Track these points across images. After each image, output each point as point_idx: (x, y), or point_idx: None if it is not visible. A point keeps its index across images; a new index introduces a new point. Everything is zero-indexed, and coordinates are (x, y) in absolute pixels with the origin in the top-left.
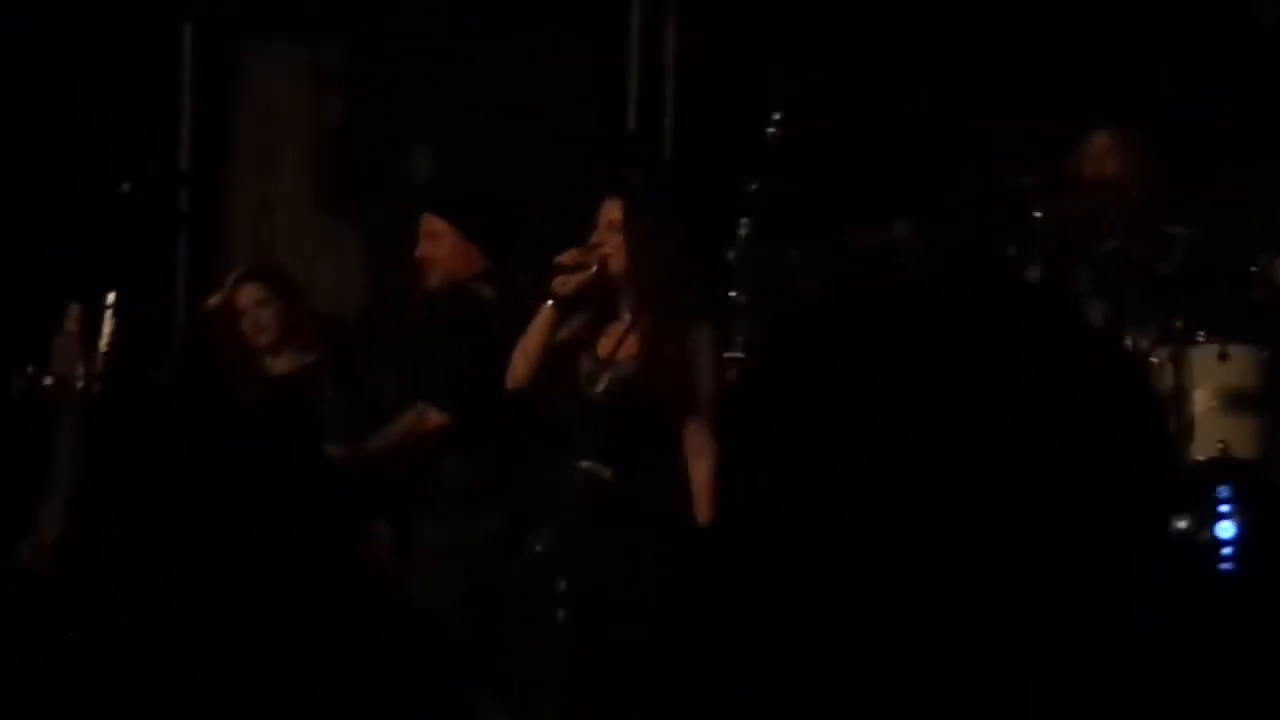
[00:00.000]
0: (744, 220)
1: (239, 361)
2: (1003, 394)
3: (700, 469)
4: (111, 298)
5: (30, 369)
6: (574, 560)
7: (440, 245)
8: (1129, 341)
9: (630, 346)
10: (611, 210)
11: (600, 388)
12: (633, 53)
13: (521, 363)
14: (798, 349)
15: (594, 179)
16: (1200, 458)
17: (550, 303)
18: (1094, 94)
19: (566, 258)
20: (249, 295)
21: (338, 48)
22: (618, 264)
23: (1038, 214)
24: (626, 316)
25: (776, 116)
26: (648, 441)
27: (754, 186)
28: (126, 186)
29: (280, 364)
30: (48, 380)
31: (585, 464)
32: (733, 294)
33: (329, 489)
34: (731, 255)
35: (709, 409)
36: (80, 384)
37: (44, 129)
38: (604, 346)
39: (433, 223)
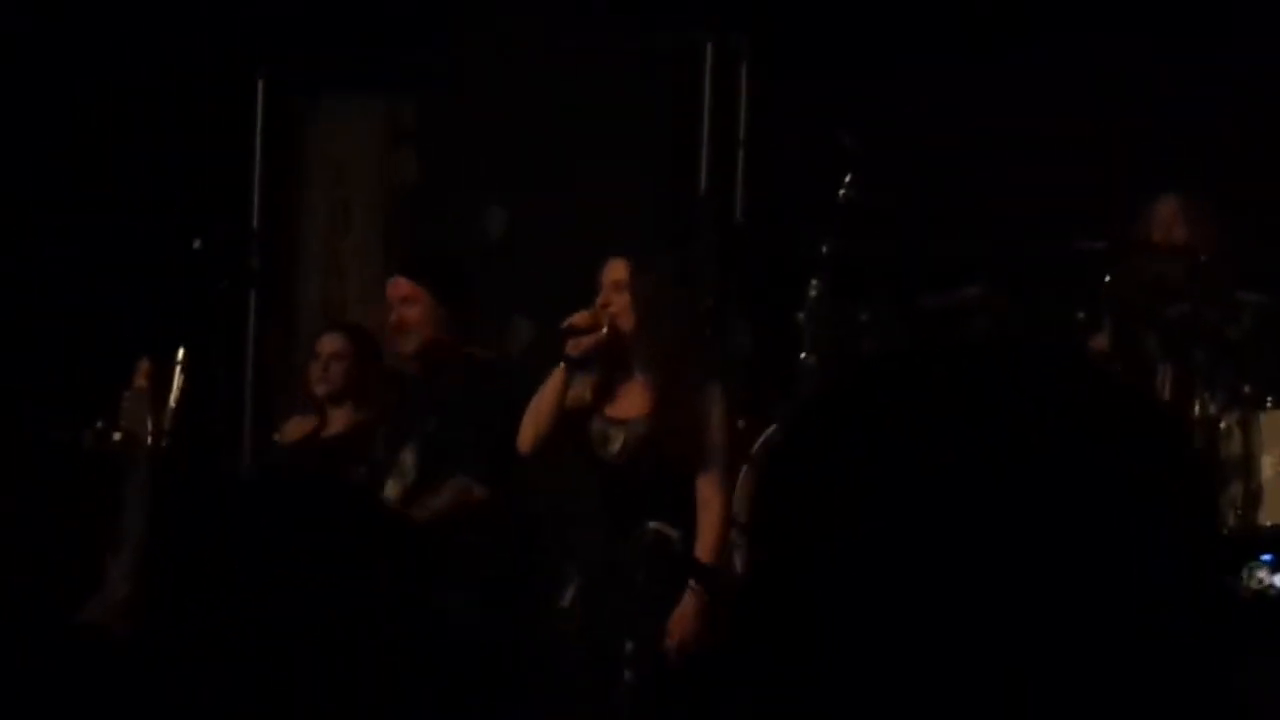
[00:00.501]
0: (814, 282)
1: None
2: (1043, 458)
3: (706, 520)
4: (181, 354)
5: (100, 425)
6: (641, 621)
7: (414, 309)
8: (1197, 406)
9: (642, 406)
10: (615, 270)
11: (615, 448)
12: (705, 114)
13: (533, 426)
14: (847, 400)
15: (667, 242)
16: (1268, 523)
17: (563, 365)
18: (1164, 158)
19: (578, 319)
20: (328, 345)
21: (410, 105)
22: (626, 323)
23: (1107, 278)
24: (638, 376)
25: (847, 179)
26: (663, 501)
27: (825, 249)
28: (198, 243)
29: (338, 420)
30: (117, 436)
31: (653, 524)
32: (803, 356)
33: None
34: (801, 317)
35: (720, 465)
36: (149, 440)
37: (118, 186)
38: (614, 407)
39: (404, 286)
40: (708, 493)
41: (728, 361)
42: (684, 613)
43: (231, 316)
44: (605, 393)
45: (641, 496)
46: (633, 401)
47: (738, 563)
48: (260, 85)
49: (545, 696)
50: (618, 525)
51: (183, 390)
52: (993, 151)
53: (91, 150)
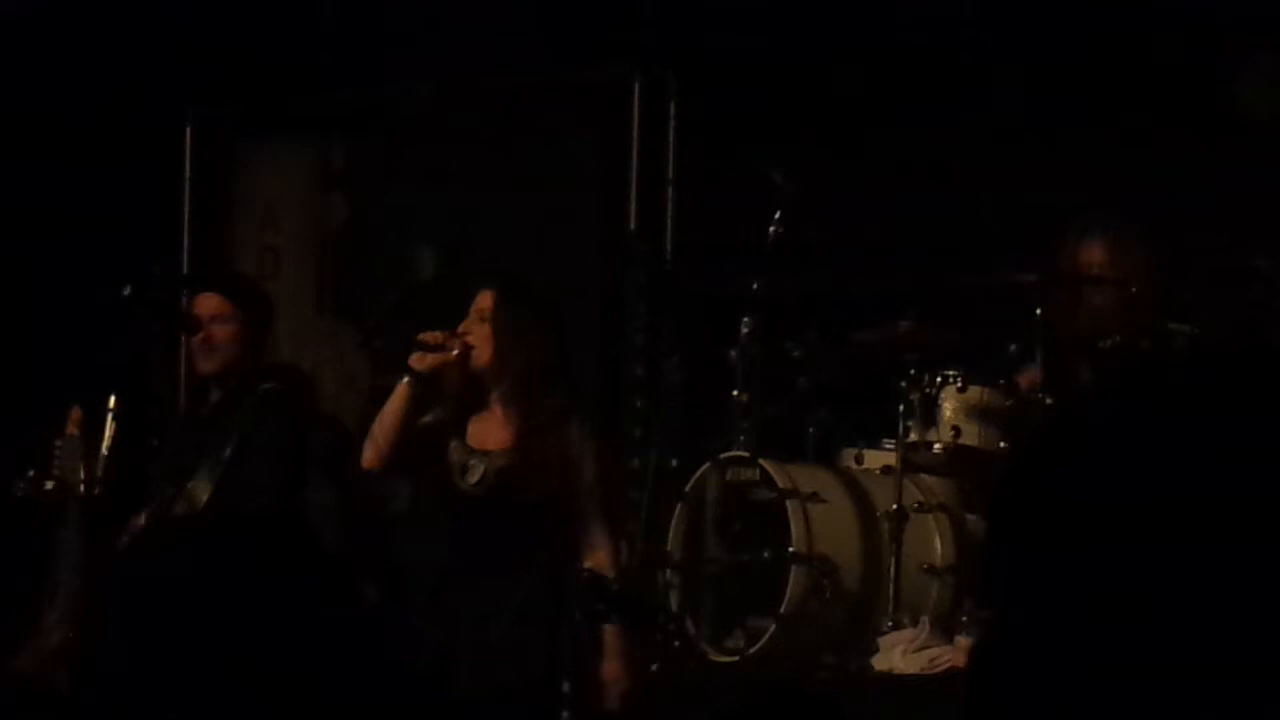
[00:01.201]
0: (746, 319)
1: None
2: None
3: (595, 562)
4: (113, 401)
5: (32, 473)
6: (577, 661)
7: (226, 328)
8: None
9: (502, 438)
10: (482, 300)
11: (474, 479)
12: (633, 153)
13: (375, 440)
14: (1089, 424)
15: (596, 280)
16: None
17: (406, 380)
18: (1093, 190)
19: (429, 336)
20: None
21: (341, 148)
22: (484, 355)
23: (1038, 310)
24: (495, 408)
25: (777, 216)
26: (521, 534)
27: (755, 285)
28: (127, 289)
29: None
30: (49, 484)
31: (588, 565)
32: (735, 393)
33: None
34: (734, 354)
35: (600, 506)
36: (82, 487)
37: (43, 230)
38: (474, 437)
39: (215, 302)
40: (596, 537)
41: (659, 399)
42: (613, 653)
43: (163, 361)
44: (462, 420)
45: (496, 529)
46: (493, 433)
47: (672, 599)
48: (189, 129)
49: None
50: (472, 558)
51: (115, 437)
52: (922, 185)
53: (19, 194)
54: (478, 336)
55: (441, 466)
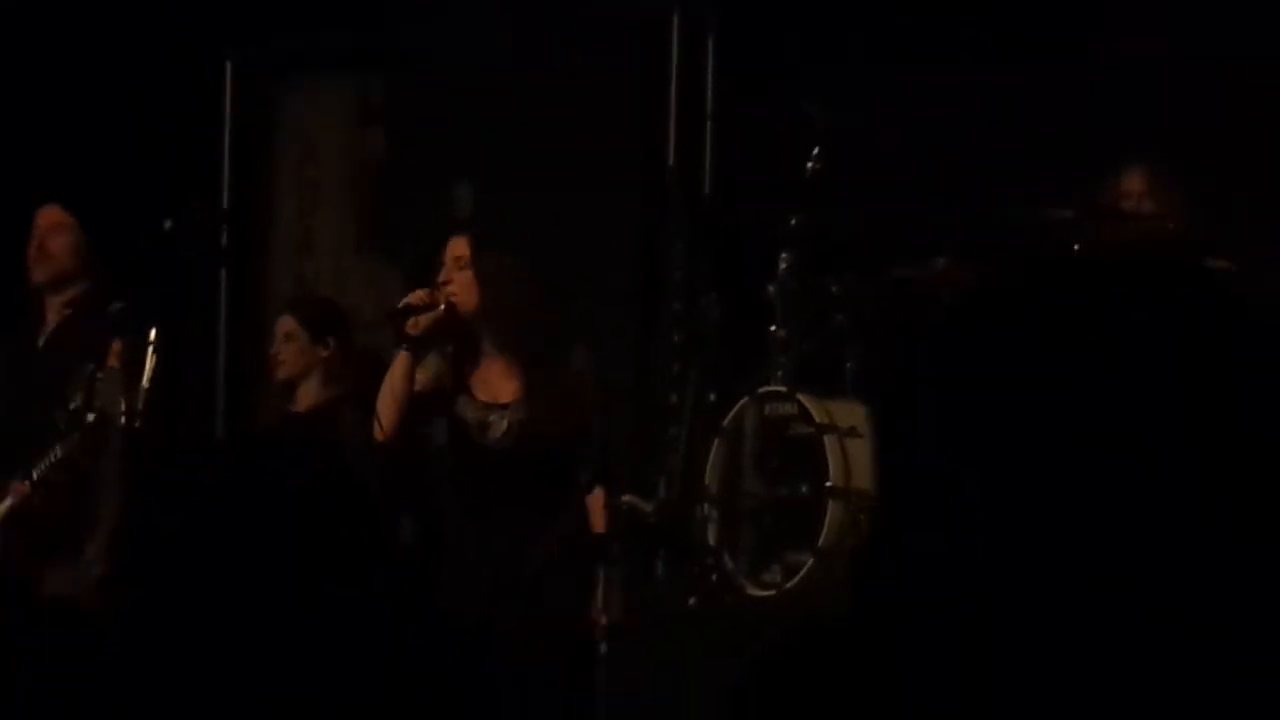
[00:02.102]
0: (784, 255)
1: (271, 394)
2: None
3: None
4: (154, 334)
5: (74, 405)
6: (620, 591)
7: (60, 239)
8: None
9: (514, 389)
10: (456, 247)
11: (497, 435)
12: (671, 88)
13: (386, 412)
14: (957, 344)
15: (634, 216)
16: None
17: (404, 347)
18: (1132, 125)
19: (414, 298)
20: (281, 328)
21: (378, 83)
22: (469, 301)
23: (1076, 246)
24: (495, 356)
25: (815, 151)
26: (549, 479)
27: (793, 221)
28: (168, 223)
29: (305, 398)
30: (90, 416)
31: (626, 497)
32: (773, 329)
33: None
34: (772, 290)
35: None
36: (123, 420)
37: (85, 167)
38: (483, 391)
39: (54, 214)
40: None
41: (697, 334)
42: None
43: (203, 295)
44: (466, 377)
45: (528, 479)
46: (502, 384)
47: (710, 534)
48: (229, 66)
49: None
50: (507, 510)
51: (155, 370)
52: (960, 120)
53: (58, 133)
54: (459, 284)
55: (456, 424)
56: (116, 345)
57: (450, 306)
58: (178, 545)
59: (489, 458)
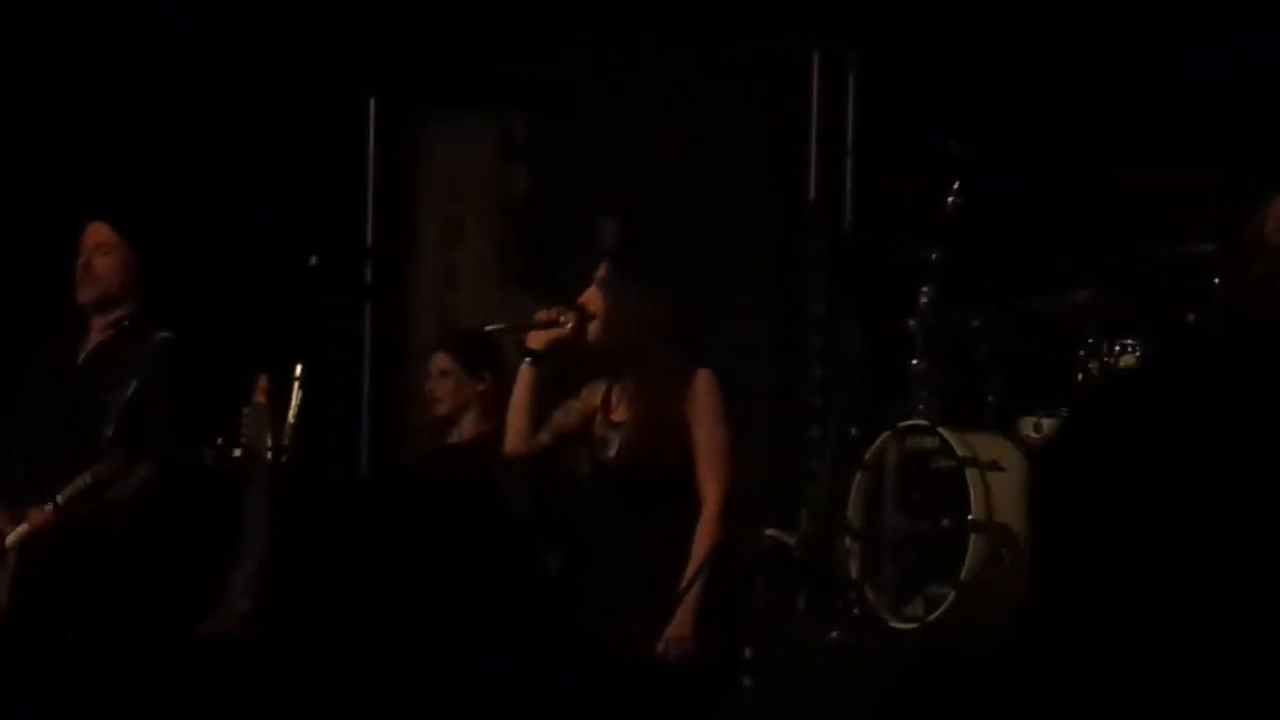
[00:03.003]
0: (924, 288)
1: (426, 430)
2: None
3: (705, 514)
4: (299, 369)
5: (221, 441)
6: (763, 625)
7: (108, 259)
8: None
9: (628, 409)
10: (601, 270)
11: (612, 451)
12: (813, 122)
13: (512, 426)
14: (1130, 406)
15: (775, 248)
16: None
17: (527, 360)
18: (1275, 155)
19: (541, 315)
20: (436, 365)
21: (522, 120)
22: (600, 324)
23: (1217, 280)
24: (624, 377)
25: (956, 185)
26: (658, 502)
27: (934, 255)
28: (314, 259)
29: (460, 432)
30: (237, 452)
31: (769, 531)
32: (914, 362)
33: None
34: (913, 324)
35: (714, 459)
36: (269, 455)
37: (233, 203)
38: (616, 411)
39: (102, 232)
40: (706, 487)
41: (839, 368)
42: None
43: (348, 331)
44: (609, 397)
45: (636, 498)
46: (623, 404)
47: (852, 567)
48: (373, 103)
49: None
50: (619, 527)
51: (301, 405)
52: (1102, 154)
53: (211, 169)
54: (589, 299)
55: (590, 443)
56: (263, 381)
57: (578, 327)
58: (334, 578)
59: (608, 476)
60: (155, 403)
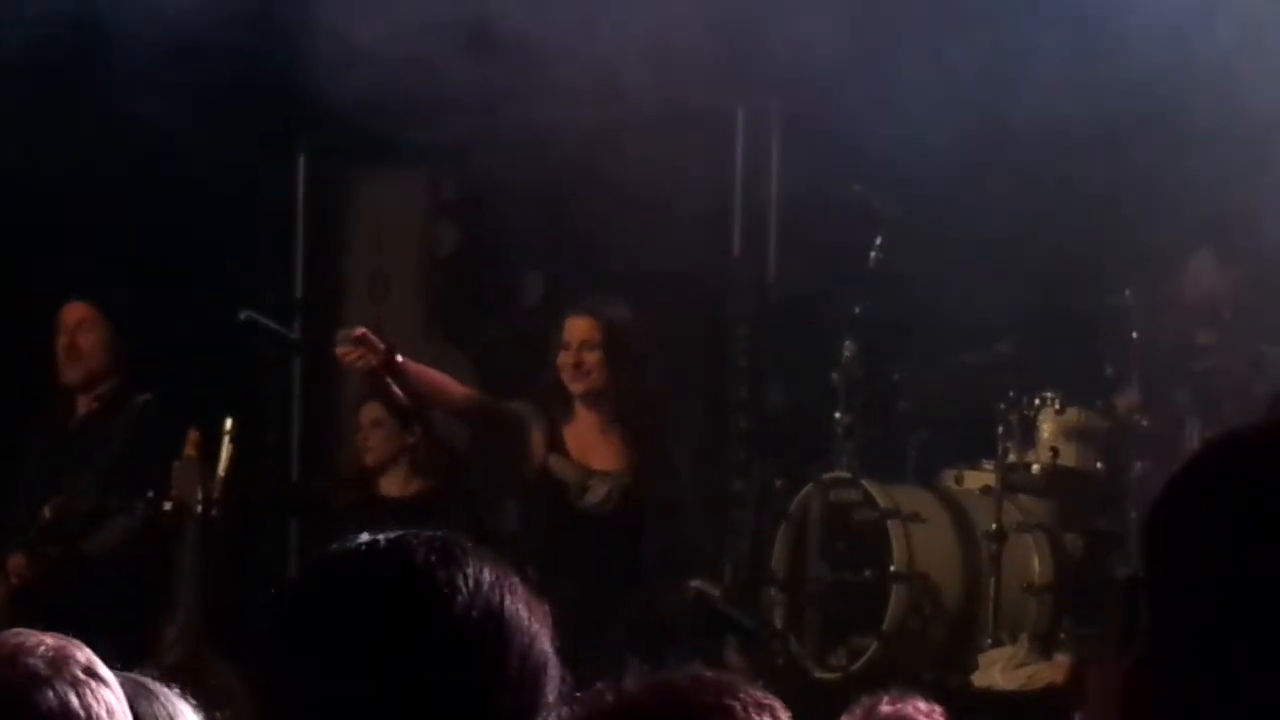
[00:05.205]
0: (848, 342)
1: (353, 481)
2: None
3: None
4: (229, 424)
5: (151, 494)
6: None
7: (89, 336)
8: None
9: (615, 459)
10: (579, 329)
11: (596, 499)
12: (737, 179)
13: None
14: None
15: (701, 304)
16: None
17: None
18: (1192, 214)
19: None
20: (367, 415)
21: (450, 175)
22: (599, 379)
23: (1135, 334)
24: (600, 427)
25: (878, 240)
26: (636, 552)
27: (857, 309)
28: (243, 315)
29: (390, 485)
30: (167, 505)
31: (695, 583)
32: (837, 415)
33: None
34: (835, 377)
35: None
36: (199, 509)
37: (160, 258)
38: (579, 454)
39: (80, 310)
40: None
41: (763, 421)
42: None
43: (277, 385)
44: (559, 433)
45: (614, 546)
46: (600, 452)
47: (777, 617)
48: (301, 160)
49: None
50: (601, 573)
51: (231, 459)
52: (1021, 210)
53: (135, 223)
54: (591, 363)
55: (549, 482)
56: (194, 435)
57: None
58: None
59: (584, 520)
60: (139, 460)
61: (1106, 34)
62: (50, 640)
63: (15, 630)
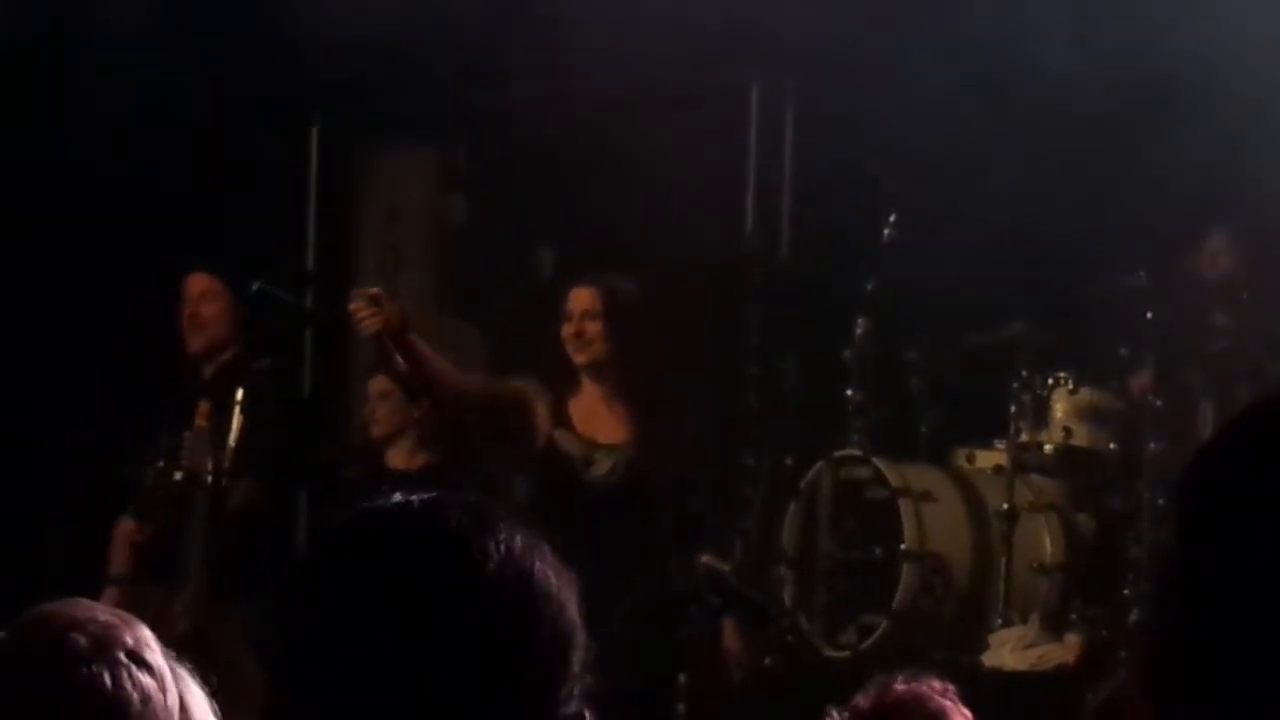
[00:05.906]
0: (860, 320)
1: (361, 452)
2: None
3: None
4: (240, 394)
5: (162, 464)
6: (698, 652)
7: (212, 306)
8: None
9: (621, 432)
10: (582, 299)
11: (601, 472)
12: (750, 154)
13: None
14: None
15: (714, 280)
16: None
17: None
18: (1210, 193)
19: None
20: (375, 387)
21: (462, 148)
22: (600, 350)
23: (1149, 314)
24: (605, 400)
25: (891, 218)
26: (643, 526)
27: (870, 287)
28: (255, 285)
29: (396, 457)
30: (178, 475)
31: (704, 558)
32: (849, 393)
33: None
34: (848, 355)
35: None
36: (209, 478)
37: (173, 229)
38: (584, 428)
39: (203, 281)
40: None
41: (775, 398)
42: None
43: (288, 356)
44: (564, 407)
45: (621, 520)
46: (606, 425)
47: (786, 595)
48: (315, 132)
49: None
50: (594, 549)
51: (242, 429)
52: (1035, 189)
53: (150, 197)
54: (592, 333)
55: (554, 457)
56: (205, 406)
57: (565, 351)
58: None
59: (590, 494)
60: (267, 423)
61: (1121, 11)
62: (105, 617)
63: (77, 600)
